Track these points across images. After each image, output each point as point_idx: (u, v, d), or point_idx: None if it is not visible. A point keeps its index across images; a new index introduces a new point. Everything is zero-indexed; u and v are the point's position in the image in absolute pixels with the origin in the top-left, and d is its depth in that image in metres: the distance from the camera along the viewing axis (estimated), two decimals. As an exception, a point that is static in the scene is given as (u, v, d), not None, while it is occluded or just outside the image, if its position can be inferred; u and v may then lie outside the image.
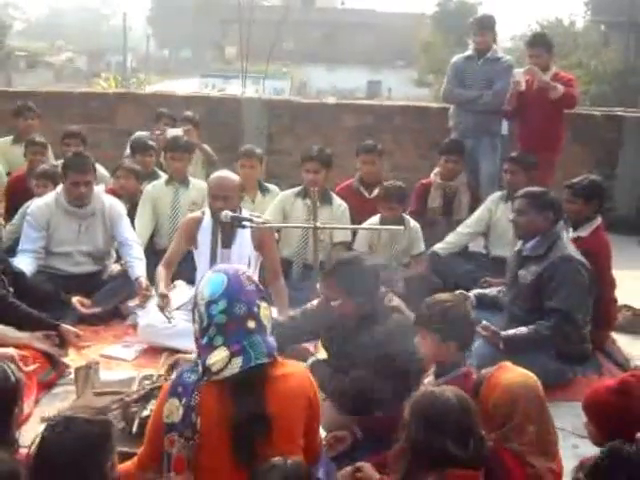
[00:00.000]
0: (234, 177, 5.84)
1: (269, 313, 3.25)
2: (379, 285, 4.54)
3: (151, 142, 8.10)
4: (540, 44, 8.00)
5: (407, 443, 3.05)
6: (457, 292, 5.41)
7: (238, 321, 3.09)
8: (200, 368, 3.10)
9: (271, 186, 7.78)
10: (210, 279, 3.19)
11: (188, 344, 4.86)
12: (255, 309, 3.14)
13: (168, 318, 5.63)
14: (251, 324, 3.11)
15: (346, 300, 4.41)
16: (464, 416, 3.03)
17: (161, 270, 5.97)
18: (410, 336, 4.18)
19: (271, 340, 3.19)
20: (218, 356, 3.05)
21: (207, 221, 5.84)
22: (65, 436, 2.78)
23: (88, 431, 2.85)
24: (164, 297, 5.72)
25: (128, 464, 3.32)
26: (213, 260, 5.70)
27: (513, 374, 3.53)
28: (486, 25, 8.27)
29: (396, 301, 4.60)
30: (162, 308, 5.66)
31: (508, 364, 3.62)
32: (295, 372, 3.24)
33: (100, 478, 2.83)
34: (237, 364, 3.04)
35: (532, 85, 7.82)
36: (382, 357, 4.24)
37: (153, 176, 7.88)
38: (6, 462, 2.66)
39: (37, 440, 2.83)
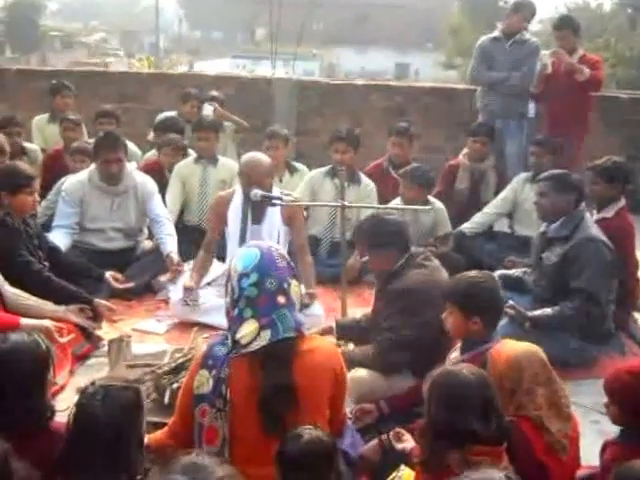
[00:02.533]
0: (266, 161, 5.82)
1: (299, 290, 3.28)
2: (406, 241, 4.61)
3: (180, 121, 8.18)
4: (566, 26, 7.94)
5: (428, 423, 3.06)
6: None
7: (269, 295, 3.12)
8: (230, 341, 3.13)
9: (299, 165, 7.81)
10: (244, 253, 3.22)
11: (219, 320, 4.92)
12: (285, 285, 3.17)
13: (191, 304, 5.70)
14: (281, 299, 3.13)
15: (372, 255, 4.61)
16: (483, 392, 3.02)
17: (199, 257, 6.02)
18: (432, 293, 4.31)
19: (300, 316, 3.21)
20: (247, 329, 3.08)
21: (238, 199, 5.85)
22: (106, 402, 2.82)
23: (127, 397, 2.89)
24: (187, 289, 5.77)
25: (159, 433, 3.37)
26: (243, 236, 5.72)
27: (514, 344, 3.55)
28: (526, 9, 8.21)
29: (434, 261, 4.65)
30: (185, 301, 5.73)
31: (507, 340, 3.65)
32: (322, 346, 3.27)
33: (137, 442, 2.88)
34: (266, 337, 3.07)
35: (559, 67, 7.77)
36: (403, 309, 4.36)
37: (185, 155, 7.93)
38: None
39: (75, 407, 2.86)
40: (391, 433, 3.70)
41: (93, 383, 2.93)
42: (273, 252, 3.23)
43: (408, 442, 3.61)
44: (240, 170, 5.87)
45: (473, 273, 4.07)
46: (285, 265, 3.23)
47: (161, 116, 8.61)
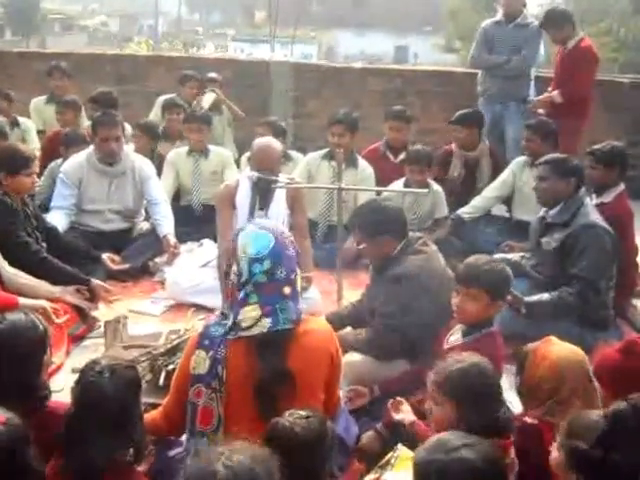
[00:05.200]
0: (278, 147, 5.78)
1: (300, 279, 3.27)
2: (402, 228, 4.59)
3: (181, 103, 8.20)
4: (549, 25, 7.87)
5: (441, 418, 3.05)
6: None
7: (277, 285, 3.11)
8: (230, 321, 3.11)
9: (294, 153, 7.79)
10: (256, 236, 3.17)
11: (214, 301, 4.93)
12: (293, 275, 3.17)
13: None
14: (287, 290, 3.13)
15: (368, 241, 4.56)
16: (494, 386, 3.04)
17: (222, 247, 5.95)
18: (429, 279, 4.31)
19: (300, 307, 3.20)
20: (249, 314, 3.08)
21: (244, 186, 5.80)
22: (113, 378, 2.88)
23: (131, 374, 2.97)
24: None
25: (153, 413, 3.37)
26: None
27: (560, 348, 3.42)
28: None
29: (432, 247, 4.64)
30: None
31: (554, 338, 3.53)
32: (318, 328, 3.26)
33: (139, 418, 2.96)
34: (266, 324, 3.07)
35: (561, 54, 7.78)
36: (400, 294, 4.33)
37: (183, 136, 7.93)
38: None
39: (80, 383, 2.91)
40: (391, 401, 3.71)
41: (95, 361, 2.98)
42: (285, 239, 3.21)
43: (408, 413, 3.61)
44: (252, 154, 5.82)
45: (489, 258, 4.10)
46: (294, 253, 3.21)
47: (161, 98, 8.71)
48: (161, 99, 8.87)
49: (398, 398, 3.73)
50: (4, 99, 8.04)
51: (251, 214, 5.75)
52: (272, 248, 3.12)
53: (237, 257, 3.15)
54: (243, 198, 5.78)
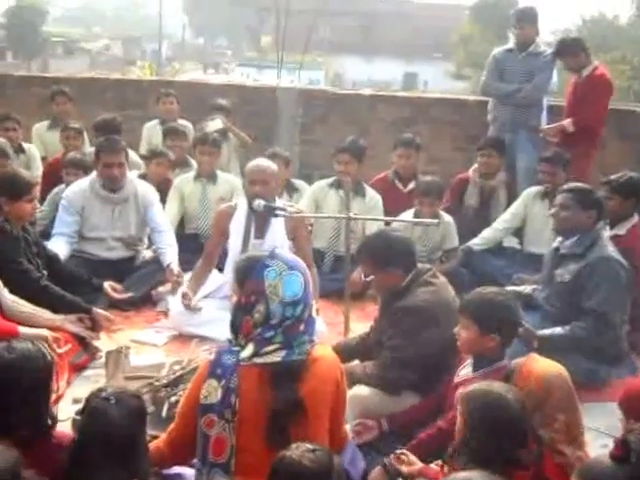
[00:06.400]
0: (272, 164, 5.86)
1: (315, 309, 3.36)
2: (411, 260, 4.61)
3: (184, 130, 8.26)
4: (563, 53, 7.96)
5: (465, 445, 3.07)
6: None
7: (299, 323, 3.19)
8: (244, 351, 3.15)
9: (299, 183, 7.81)
10: (289, 278, 3.21)
11: (218, 332, 4.94)
12: (308, 311, 3.23)
13: (195, 310, 5.73)
14: (303, 326, 3.21)
15: (376, 273, 4.58)
16: (525, 417, 3.07)
17: (198, 266, 6.06)
18: (438, 312, 4.32)
19: (312, 338, 3.26)
20: (268, 348, 3.15)
21: (241, 211, 5.86)
22: (119, 406, 2.91)
23: (137, 403, 3.01)
24: (185, 296, 5.79)
25: (157, 442, 3.39)
26: (245, 252, 5.67)
27: (545, 364, 3.55)
28: (527, 18, 8.21)
29: (442, 278, 4.66)
30: (187, 306, 5.74)
31: (536, 355, 3.64)
32: (325, 355, 3.30)
33: (145, 448, 3.01)
34: (280, 355, 3.14)
35: (575, 82, 7.84)
36: (408, 327, 4.36)
37: (185, 164, 7.98)
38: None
39: (86, 411, 2.94)
40: (392, 456, 3.72)
41: (100, 389, 3.02)
42: (308, 277, 3.27)
43: (414, 464, 3.62)
44: (245, 175, 5.88)
45: (493, 289, 4.07)
46: (312, 289, 3.29)
47: (149, 125, 8.95)
48: (149, 125, 9.02)
49: (401, 451, 3.74)
50: (15, 123, 8.02)
51: (245, 243, 5.79)
52: (303, 290, 3.20)
53: (267, 298, 3.18)
54: (238, 225, 5.82)
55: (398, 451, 3.73)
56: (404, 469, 3.61)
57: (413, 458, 3.65)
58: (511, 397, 3.09)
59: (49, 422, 3.16)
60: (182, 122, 8.77)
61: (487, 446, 2.99)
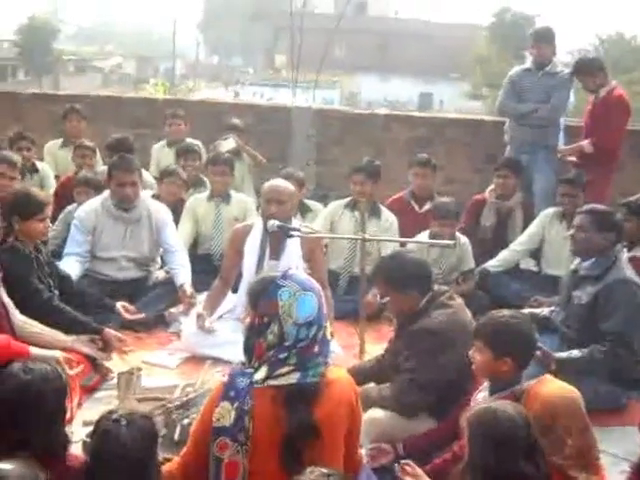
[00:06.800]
0: (289, 185, 5.86)
1: (330, 331, 3.30)
2: (428, 282, 4.61)
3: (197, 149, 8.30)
4: (581, 72, 7.96)
5: (471, 463, 3.06)
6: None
7: (313, 345, 3.17)
8: (258, 373, 3.14)
9: (313, 204, 7.83)
10: (303, 299, 3.19)
11: (231, 354, 4.93)
12: (322, 332, 3.22)
13: (209, 331, 5.71)
14: (317, 348, 3.18)
15: (392, 294, 4.58)
16: (529, 432, 3.03)
17: (214, 286, 6.05)
18: (455, 334, 4.32)
19: (327, 360, 3.24)
20: (283, 370, 3.13)
21: (256, 231, 5.86)
22: (130, 428, 2.91)
23: (148, 425, 3.01)
24: (200, 316, 5.78)
25: (170, 465, 3.37)
26: (259, 272, 5.65)
27: (553, 387, 3.54)
28: (544, 38, 8.24)
29: (458, 300, 4.65)
30: (201, 327, 5.73)
31: (549, 377, 3.61)
32: (339, 377, 3.28)
33: (156, 470, 3.00)
34: (294, 378, 3.12)
35: (593, 102, 7.84)
36: (425, 350, 4.34)
37: (198, 183, 8.00)
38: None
39: (97, 433, 2.94)
40: (396, 466, 3.72)
41: (111, 411, 3.01)
42: (322, 298, 3.25)
43: (419, 476, 3.61)
44: (261, 194, 5.88)
45: (507, 312, 4.03)
46: (326, 310, 3.28)
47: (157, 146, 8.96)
48: (157, 146, 9.05)
49: (404, 462, 3.73)
50: (29, 143, 8.00)
51: (260, 263, 5.78)
52: (317, 311, 3.18)
53: (280, 318, 3.16)
54: (253, 246, 5.82)
55: (403, 461, 3.73)
56: None
57: (419, 470, 3.65)
58: (510, 410, 3.07)
59: (66, 442, 3.16)
60: (191, 141, 8.79)
61: (487, 459, 2.98)
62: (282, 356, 3.13)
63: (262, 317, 3.21)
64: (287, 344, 3.14)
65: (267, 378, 3.12)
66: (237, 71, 60.54)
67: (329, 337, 3.27)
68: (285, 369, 3.13)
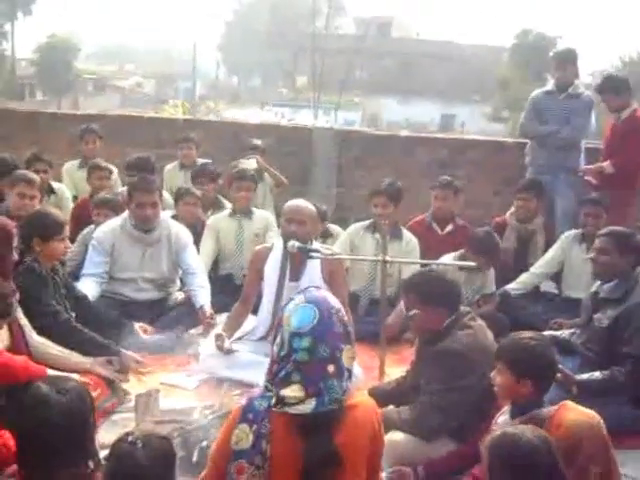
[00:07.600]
0: (311, 205, 5.89)
1: (352, 355, 3.22)
2: (457, 302, 4.65)
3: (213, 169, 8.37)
4: (607, 90, 7.95)
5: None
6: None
7: (319, 363, 3.09)
8: (275, 399, 3.11)
9: (334, 228, 7.85)
10: (301, 308, 3.17)
11: (250, 376, 4.95)
12: (337, 353, 3.13)
13: (228, 352, 5.72)
14: (331, 368, 3.11)
15: (420, 308, 4.59)
16: (549, 457, 3.03)
17: (235, 307, 6.04)
18: (477, 356, 4.33)
19: (346, 384, 3.16)
20: (293, 393, 3.07)
21: (276, 253, 5.85)
22: (147, 449, 2.92)
23: (166, 446, 3.01)
24: (219, 337, 5.77)
25: None
26: (279, 294, 5.71)
27: (576, 413, 3.53)
28: (567, 60, 8.26)
29: (480, 322, 4.68)
30: (220, 347, 5.73)
31: (570, 403, 3.61)
32: (361, 402, 3.25)
33: None
34: (310, 405, 3.06)
35: (614, 123, 7.84)
36: (447, 372, 4.37)
37: (216, 205, 8.05)
38: None
39: (114, 455, 2.94)
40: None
41: (128, 433, 3.01)
42: (333, 315, 3.18)
43: None
44: (282, 214, 5.89)
45: (528, 334, 4.04)
46: (342, 331, 3.17)
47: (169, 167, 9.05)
48: (169, 167, 9.13)
49: (402, 467, 3.74)
50: (46, 165, 8.00)
51: (280, 286, 5.78)
52: (316, 324, 3.12)
53: (282, 327, 3.18)
54: (273, 267, 5.83)
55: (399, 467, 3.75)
56: None
57: None
58: (530, 434, 3.07)
59: (92, 465, 3.16)
60: (203, 161, 8.87)
61: None
62: (283, 373, 3.10)
63: (276, 330, 3.24)
64: (283, 353, 3.12)
65: (280, 402, 3.08)
66: (258, 91, 60.66)
67: (349, 360, 3.20)
68: (290, 389, 3.07)
